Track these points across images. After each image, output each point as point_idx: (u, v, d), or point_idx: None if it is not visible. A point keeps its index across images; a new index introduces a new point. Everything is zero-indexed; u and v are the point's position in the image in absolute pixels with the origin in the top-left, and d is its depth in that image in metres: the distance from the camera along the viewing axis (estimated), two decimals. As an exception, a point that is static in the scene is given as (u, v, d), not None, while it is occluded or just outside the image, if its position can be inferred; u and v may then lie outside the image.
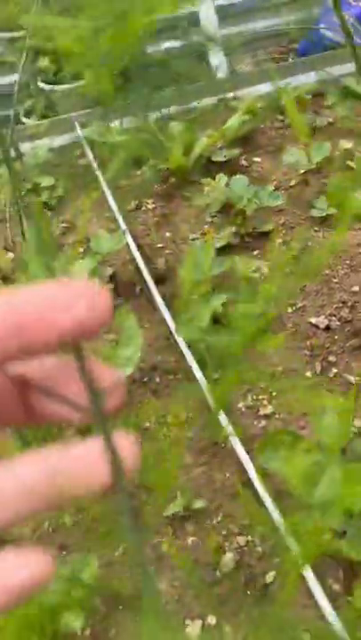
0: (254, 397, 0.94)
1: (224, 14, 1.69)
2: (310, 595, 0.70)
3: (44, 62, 1.66)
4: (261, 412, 0.92)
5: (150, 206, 1.33)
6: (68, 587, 0.62)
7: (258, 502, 0.79)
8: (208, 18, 1.63)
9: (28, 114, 1.68)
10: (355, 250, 1.15)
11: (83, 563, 0.68)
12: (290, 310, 1.05)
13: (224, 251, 1.16)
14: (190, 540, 0.79)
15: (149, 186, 1.33)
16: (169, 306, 1.04)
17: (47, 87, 1.67)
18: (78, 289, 0.15)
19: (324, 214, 1.19)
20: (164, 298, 1.06)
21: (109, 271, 1.16)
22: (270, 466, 0.79)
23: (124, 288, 1.14)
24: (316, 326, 1.02)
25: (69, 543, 0.81)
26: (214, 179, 1.27)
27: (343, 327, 1.01)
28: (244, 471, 0.81)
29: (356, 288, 1.08)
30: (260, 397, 0.94)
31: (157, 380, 0.99)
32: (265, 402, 0.93)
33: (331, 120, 1.46)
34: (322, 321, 1.02)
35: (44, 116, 1.62)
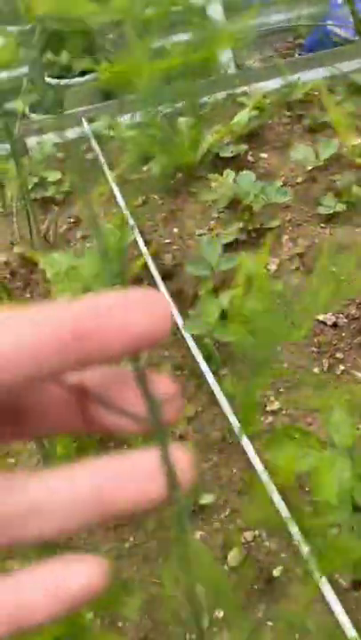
0: (261, 393, 0.94)
1: (231, 9, 1.68)
2: (317, 589, 0.70)
3: (50, 56, 1.65)
4: (269, 408, 0.92)
5: (157, 202, 1.33)
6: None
7: (265, 498, 0.79)
8: (215, 12, 1.62)
9: (33, 108, 1.68)
10: (362, 247, 1.15)
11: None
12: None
13: (231, 247, 1.16)
14: (198, 534, 0.80)
15: (157, 181, 1.33)
16: (176, 301, 1.05)
17: (54, 81, 1.66)
18: (139, 299, 0.14)
19: (331, 211, 1.19)
20: (171, 293, 1.06)
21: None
22: (278, 462, 0.79)
23: (132, 284, 1.15)
24: (324, 323, 1.02)
25: (78, 536, 0.81)
26: (222, 174, 1.27)
27: (350, 324, 1.01)
28: (251, 467, 0.81)
29: (363, 285, 1.08)
30: (268, 393, 0.94)
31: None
32: (272, 398, 0.93)
33: (338, 116, 1.45)
34: (329, 318, 1.02)
35: (50, 111, 1.62)
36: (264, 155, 1.41)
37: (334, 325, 1.02)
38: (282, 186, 1.25)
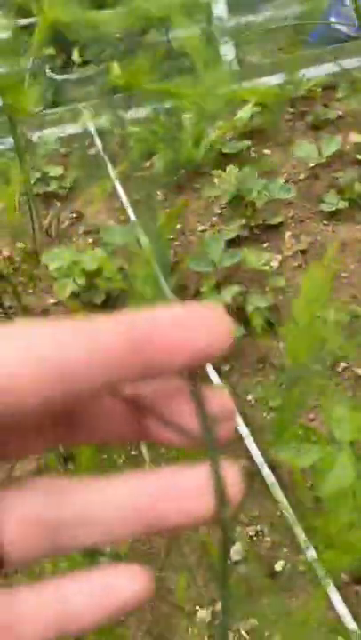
0: (261, 391, 0.94)
1: (234, 4, 1.67)
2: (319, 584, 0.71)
3: (52, 50, 1.64)
4: (271, 404, 0.92)
5: (160, 198, 1.33)
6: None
7: (267, 493, 0.79)
8: (218, 7, 1.61)
9: (36, 102, 1.67)
10: (364, 244, 1.15)
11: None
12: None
13: (233, 243, 1.16)
14: (200, 529, 0.80)
15: (159, 177, 1.33)
16: (178, 297, 1.05)
17: (56, 76, 1.66)
18: (202, 313, 0.14)
19: (333, 208, 1.19)
20: (173, 289, 1.06)
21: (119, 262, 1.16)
22: (280, 457, 0.80)
23: (134, 279, 1.15)
24: (325, 320, 1.02)
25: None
26: (224, 170, 1.27)
27: (352, 321, 1.01)
28: (253, 463, 0.81)
29: (365, 282, 1.08)
30: (270, 390, 0.94)
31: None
32: (275, 394, 0.94)
33: (341, 113, 1.45)
34: (331, 315, 1.02)
35: (52, 105, 1.61)
36: (267, 151, 1.41)
37: (336, 323, 1.02)
38: (285, 182, 1.25)
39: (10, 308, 1.06)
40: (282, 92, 1.48)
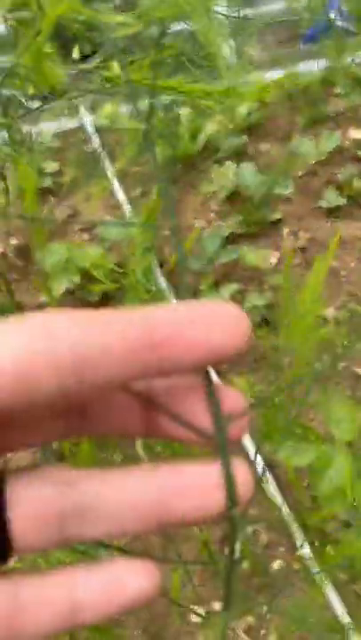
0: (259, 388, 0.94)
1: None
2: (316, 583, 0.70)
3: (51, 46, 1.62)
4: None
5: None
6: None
7: (264, 492, 0.79)
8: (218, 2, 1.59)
9: (31, 96, 1.65)
10: (363, 241, 1.14)
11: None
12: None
13: (231, 239, 1.14)
14: (196, 528, 0.79)
15: (156, 172, 1.31)
16: (175, 293, 1.04)
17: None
18: (218, 311, 0.14)
19: (332, 205, 1.18)
20: (170, 285, 1.05)
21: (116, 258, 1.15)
22: (278, 456, 0.79)
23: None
24: (324, 318, 1.01)
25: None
26: (222, 166, 1.25)
27: (351, 320, 1.01)
28: (250, 461, 0.81)
29: (364, 280, 1.07)
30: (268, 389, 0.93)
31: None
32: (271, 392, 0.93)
33: (340, 109, 1.44)
34: (330, 313, 1.02)
35: (48, 99, 1.59)
36: (265, 146, 1.40)
37: (335, 320, 1.01)
38: (283, 178, 1.23)
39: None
40: (281, 87, 1.46)
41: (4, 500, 0.15)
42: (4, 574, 0.15)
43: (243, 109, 1.38)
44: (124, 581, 0.15)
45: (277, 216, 1.19)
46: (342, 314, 1.01)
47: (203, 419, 0.15)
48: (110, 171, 1.28)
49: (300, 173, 1.30)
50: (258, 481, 0.79)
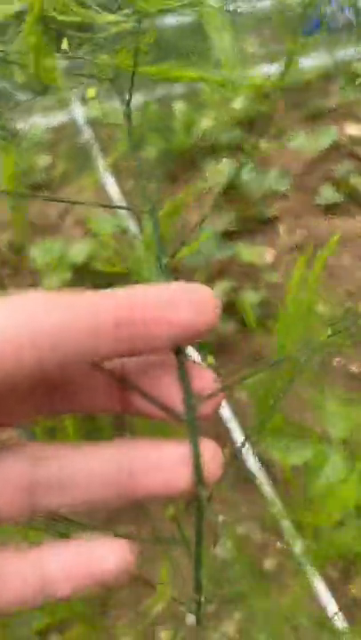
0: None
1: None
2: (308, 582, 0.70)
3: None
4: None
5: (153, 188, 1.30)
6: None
7: (258, 491, 0.78)
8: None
9: (22, 89, 1.62)
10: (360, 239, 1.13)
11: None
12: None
13: (227, 236, 1.13)
14: (189, 528, 0.78)
15: (151, 168, 1.30)
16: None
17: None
18: (188, 291, 0.15)
19: (330, 202, 1.17)
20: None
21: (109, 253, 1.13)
22: (272, 455, 0.78)
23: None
24: (320, 316, 1.00)
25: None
26: (217, 161, 1.24)
27: (347, 317, 1.00)
28: (243, 460, 0.80)
29: None
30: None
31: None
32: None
33: (337, 104, 1.42)
34: (326, 310, 1.01)
35: (40, 92, 1.57)
36: (261, 142, 1.38)
37: (331, 319, 1.00)
38: (280, 174, 1.22)
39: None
40: (278, 82, 1.45)
41: None
42: None
43: (238, 104, 1.36)
44: (98, 556, 0.15)
45: (274, 212, 1.18)
46: (338, 311, 1.00)
47: (175, 397, 0.16)
48: (103, 165, 1.26)
49: (296, 169, 1.29)
50: (253, 479, 0.79)
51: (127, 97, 0.19)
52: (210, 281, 1.02)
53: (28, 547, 0.16)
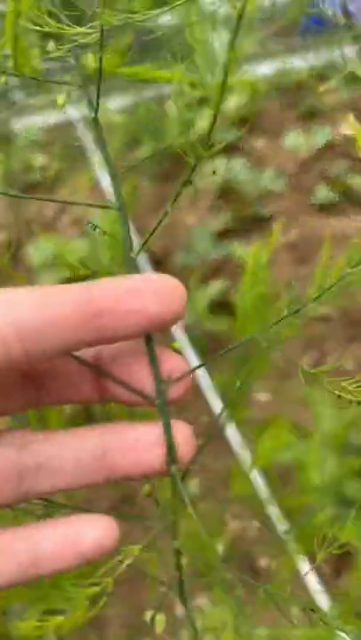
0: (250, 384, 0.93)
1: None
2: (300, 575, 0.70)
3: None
4: (257, 399, 0.91)
5: (147, 189, 1.30)
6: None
7: (252, 488, 0.78)
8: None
9: (18, 89, 1.62)
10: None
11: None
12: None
13: (222, 235, 1.14)
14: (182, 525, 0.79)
15: (145, 167, 1.30)
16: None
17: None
18: (156, 282, 0.15)
19: (325, 201, 1.18)
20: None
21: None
22: (263, 451, 0.79)
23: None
24: (314, 315, 1.01)
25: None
26: (213, 161, 1.24)
27: (341, 317, 1.00)
28: (239, 458, 0.80)
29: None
30: (257, 384, 0.93)
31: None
32: (261, 389, 0.92)
33: (332, 104, 1.43)
34: (319, 310, 1.01)
35: (35, 92, 1.57)
36: (257, 141, 1.39)
37: (325, 317, 1.01)
38: (274, 174, 1.23)
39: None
40: (272, 82, 1.45)
41: None
42: None
43: (233, 104, 1.36)
44: (84, 533, 0.16)
45: (269, 211, 1.18)
46: (333, 310, 1.01)
47: (147, 383, 0.17)
48: (99, 164, 1.27)
49: (291, 168, 1.29)
50: (246, 476, 0.79)
51: (95, 103, 0.19)
52: (205, 280, 1.03)
53: (18, 526, 0.16)
